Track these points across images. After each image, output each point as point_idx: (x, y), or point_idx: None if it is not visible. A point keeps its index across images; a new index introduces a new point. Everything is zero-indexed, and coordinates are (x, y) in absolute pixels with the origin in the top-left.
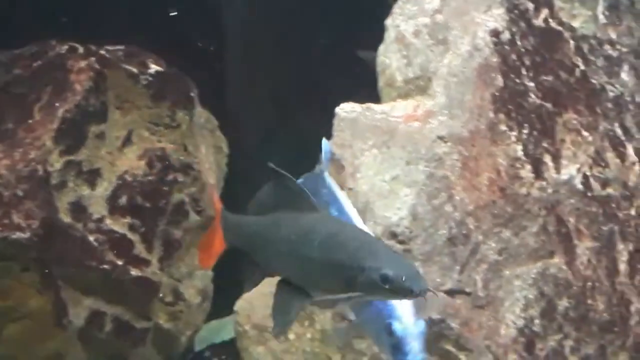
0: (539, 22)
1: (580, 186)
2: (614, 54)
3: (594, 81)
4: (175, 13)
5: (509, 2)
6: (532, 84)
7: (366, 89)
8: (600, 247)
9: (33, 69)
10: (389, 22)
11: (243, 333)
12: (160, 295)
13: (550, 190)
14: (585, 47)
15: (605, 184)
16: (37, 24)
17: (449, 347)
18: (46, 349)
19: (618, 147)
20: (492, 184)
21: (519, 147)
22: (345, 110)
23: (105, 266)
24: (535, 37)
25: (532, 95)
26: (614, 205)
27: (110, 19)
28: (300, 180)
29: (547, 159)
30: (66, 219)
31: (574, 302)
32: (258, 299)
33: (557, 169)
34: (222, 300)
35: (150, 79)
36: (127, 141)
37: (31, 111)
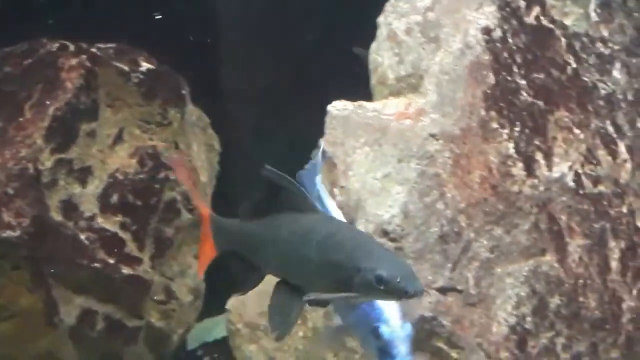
0: (530, 19)
1: (572, 184)
2: (606, 51)
3: (585, 79)
4: (160, 16)
5: None
6: (523, 82)
7: (361, 86)
8: (591, 245)
9: (24, 66)
10: (381, 19)
11: (235, 331)
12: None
13: (542, 188)
14: (577, 45)
15: (597, 181)
16: (29, 21)
17: (441, 345)
18: (37, 348)
19: (610, 145)
20: (484, 181)
21: (511, 145)
22: (338, 108)
23: (97, 264)
24: (527, 35)
25: (524, 93)
26: (605, 202)
27: (101, 15)
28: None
29: (539, 156)
30: (57, 217)
31: (565, 299)
32: (250, 298)
33: (549, 167)
34: (214, 299)
35: (141, 76)
36: (118, 139)
37: (22, 109)
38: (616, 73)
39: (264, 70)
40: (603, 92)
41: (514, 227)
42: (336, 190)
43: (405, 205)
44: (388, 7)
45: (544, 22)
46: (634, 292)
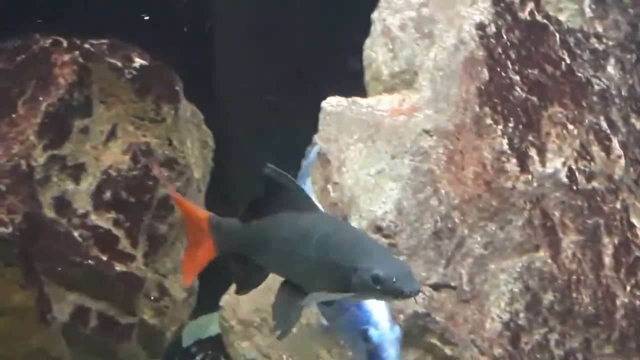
0: (524, 15)
1: (565, 180)
2: (600, 47)
3: (579, 75)
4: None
5: None
6: (517, 78)
7: (356, 82)
8: (585, 241)
9: (17, 62)
10: (375, 15)
11: (229, 328)
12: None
13: (535, 184)
14: (572, 41)
15: (590, 177)
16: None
17: (434, 341)
18: (30, 345)
19: (603, 141)
20: (478, 177)
21: (505, 141)
22: (331, 104)
23: (90, 261)
24: (521, 31)
25: (518, 89)
26: (599, 198)
27: (93, 11)
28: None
29: (533, 152)
30: (50, 214)
31: (559, 295)
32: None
33: (543, 163)
34: (208, 296)
35: (134, 72)
36: (112, 135)
37: (15, 105)
38: (610, 69)
39: (259, 66)
40: (597, 88)
41: (508, 223)
42: (330, 187)
43: (399, 202)
44: (382, 2)
45: (539, 17)
46: (628, 288)
